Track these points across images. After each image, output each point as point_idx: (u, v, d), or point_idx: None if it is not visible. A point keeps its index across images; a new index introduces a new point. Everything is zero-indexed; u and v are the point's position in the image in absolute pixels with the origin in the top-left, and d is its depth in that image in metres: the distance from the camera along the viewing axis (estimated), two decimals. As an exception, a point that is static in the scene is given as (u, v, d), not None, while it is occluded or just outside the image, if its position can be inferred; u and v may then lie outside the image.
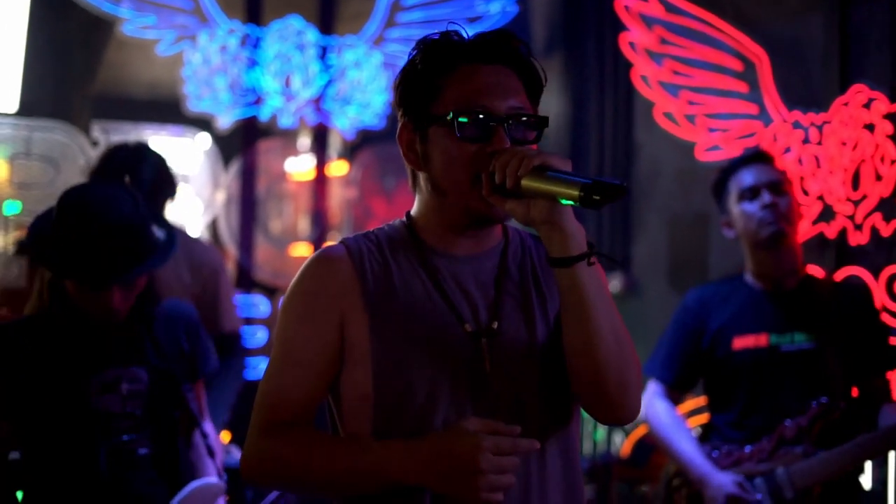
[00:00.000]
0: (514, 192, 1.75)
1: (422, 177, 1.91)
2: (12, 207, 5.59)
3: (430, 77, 1.86)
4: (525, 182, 1.73)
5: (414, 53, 1.90)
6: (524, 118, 1.85)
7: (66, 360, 2.79)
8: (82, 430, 2.77)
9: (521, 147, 1.81)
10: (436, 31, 1.91)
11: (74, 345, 2.80)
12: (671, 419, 3.39)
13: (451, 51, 1.86)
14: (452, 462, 1.73)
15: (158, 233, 2.84)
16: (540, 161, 1.73)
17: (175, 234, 2.93)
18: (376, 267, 1.88)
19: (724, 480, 3.19)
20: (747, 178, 3.36)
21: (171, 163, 4.05)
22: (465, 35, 1.89)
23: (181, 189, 4.12)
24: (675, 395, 3.48)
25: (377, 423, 1.84)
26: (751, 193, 3.34)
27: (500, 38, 1.88)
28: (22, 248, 2.87)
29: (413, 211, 1.96)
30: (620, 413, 1.89)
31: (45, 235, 2.79)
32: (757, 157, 3.42)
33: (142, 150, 4.03)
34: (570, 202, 1.71)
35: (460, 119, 1.81)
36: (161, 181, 3.93)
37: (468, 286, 1.89)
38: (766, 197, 3.31)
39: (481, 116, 1.82)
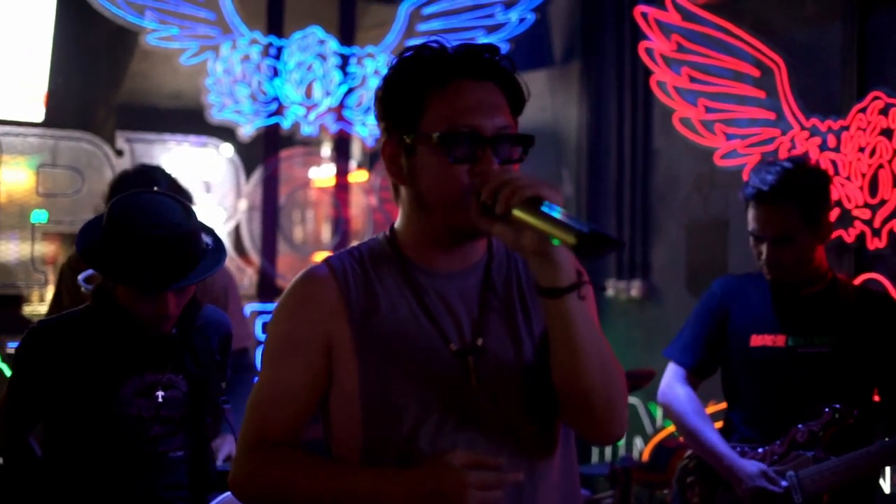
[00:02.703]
0: (504, 217, 1.71)
1: (405, 191, 1.88)
2: (39, 216, 5.65)
3: (417, 92, 1.83)
4: (517, 213, 1.69)
5: (399, 65, 1.88)
6: (511, 137, 1.83)
7: (103, 362, 2.84)
8: (110, 433, 2.82)
9: (512, 170, 1.79)
10: (418, 43, 1.89)
11: (113, 348, 2.85)
12: (694, 406, 3.34)
13: (439, 65, 1.83)
14: (440, 497, 1.73)
15: (207, 239, 2.88)
16: (533, 192, 1.69)
17: (222, 241, 2.97)
18: (361, 287, 1.87)
19: (751, 471, 3.15)
20: (752, 221, 3.23)
21: (182, 182, 4.09)
22: (449, 48, 1.86)
23: (197, 204, 4.15)
24: (693, 380, 3.42)
25: (366, 442, 1.84)
26: (754, 237, 3.26)
27: (484, 54, 1.85)
28: (81, 256, 2.90)
29: (397, 225, 1.94)
30: (607, 433, 1.89)
31: (97, 243, 2.81)
32: (765, 198, 3.20)
33: (151, 172, 4.08)
34: (563, 245, 1.65)
35: (448, 139, 1.79)
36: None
37: (452, 303, 1.87)
38: (765, 252, 3.22)
39: (469, 138, 1.79)
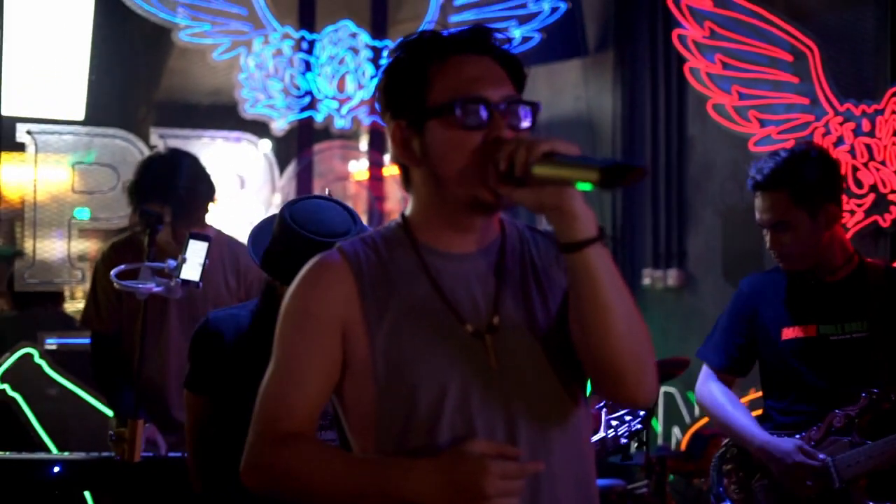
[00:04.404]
0: (523, 179, 1.72)
1: (418, 174, 1.87)
2: (82, 213, 5.72)
3: (419, 71, 1.83)
4: (537, 169, 1.70)
5: (396, 54, 1.88)
6: (519, 105, 1.83)
7: (264, 360, 2.90)
8: None
9: (525, 134, 1.80)
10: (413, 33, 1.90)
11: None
12: (725, 396, 3.35)
13: (437, 45, 1.85)
14: (459, 487, 1.73)
15: None
16: (549, 147, 1.70)
17: None
18: (374, 272, 1.86)
19: (787, 447, 3.15)
20: (756, 211, 3.26)
21: (205, 165, 4.14)
22: (444, 32, 1.87)
23: (219, 191, 4.20)
24: (727, 378, 3.43)
25: (382, 427, 1.84)
26: (760, 226, 3.27)
27: (482, 32, 1.87)
28: (259, 263, 2.98)
29: (408, 211, 1.92)
30: (639, 394, 1.87)
31: (272, 247, 2.89)
32: (756, 186, 3.23)
33: (176, 156, 4.13)
34: (588, 186, 1.67)
35: (458, 108, 1.79)
36: (198, 184, 4.04)
37: (468, 284, 1.86)
38: (767, 240, 3.24)
39: (479, 104, 1.79)
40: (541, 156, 1.70)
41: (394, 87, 1.88)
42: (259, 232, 2.99)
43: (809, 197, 3.17)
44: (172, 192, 3.97)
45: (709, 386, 3.41)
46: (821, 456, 3.12)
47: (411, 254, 1.88)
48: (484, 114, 1.80)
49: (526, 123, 1.84)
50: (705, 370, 3.46)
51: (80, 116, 5.85)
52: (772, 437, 3.21)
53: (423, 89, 1.83)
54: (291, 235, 2.82)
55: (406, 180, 1.92)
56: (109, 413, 5.08)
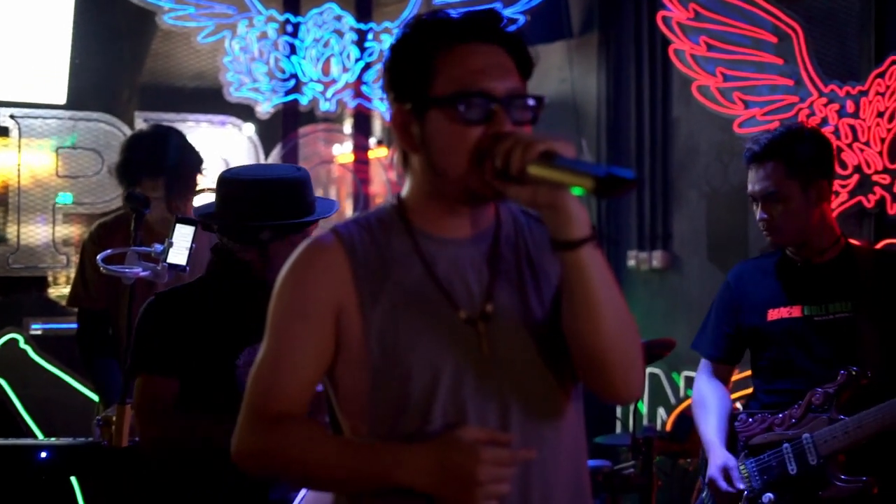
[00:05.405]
0: (519, 177, 1.72)
1: (416, 159, 1.87)
2: (65, 198, 5.70)
3: (425, 58, 1.82)
4: (532, 169, 1.70)
5: (404, 34, 1.87)
6: (523, 99, 1.82)
7: (219, 333, 2.88)
8: (228, 405, 2.84)
9: (523, 131, 1.80)
10: (423, 13, 1.89)
11: (228, 318, 2.89)
12: (702, 397, 3.44)
13: (445, 30, 1.83)
14: (451, 473, 1.73)
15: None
16: (545, 147, 1.69)
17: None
18: (369, 255, 1.86)
19: (717, 462, 3.25)
20: (748, 184, 3.30)
21: (190, 140, 4.17)
22: (454, 16, 1.86)
23: (207, 168, 4.22)
24: (725, 368, 3.50)
25: (375, 412, 1.83)
26: (752, 198, 3.30)
27: (491, 17, 1.85)
28: (200, 218, 3.02)
29: (404, 194, 1.92)
30: (624, 392, 1.89)
31: (218, 205, 2.93)
32: (751, 158, 3.27)
33: (161, 130, 4.14)
34: (580, 191, 1.67)
35: (460, 100, 1.78)
36: (187, 154, 4.05)
37: (462, 270, 1.86)
38: (759, 212, 3.27)
39: (482, 99, 1.78)
40: (537, 156, 1.70)
41: (398, 70, 1.87)
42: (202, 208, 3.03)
43: (803, 170, 3.22)
44: (164, 164, 3.98)
45: (697, 383, 3.50)
46: (740, 485, 3.20)
47: (406, 238, 1.88)
48: (485, 109, 1.79)
49: (529, 117, 1.83)
50: (701, 366, 3.53)
51: (63, 100, 5.81)
52: (715, 448, 3.29)
53: (428, 77, 1.81)
54: (232, 185, 2.85)
55: (405, 163, 1.91)
56: (95, 398, 5.08)
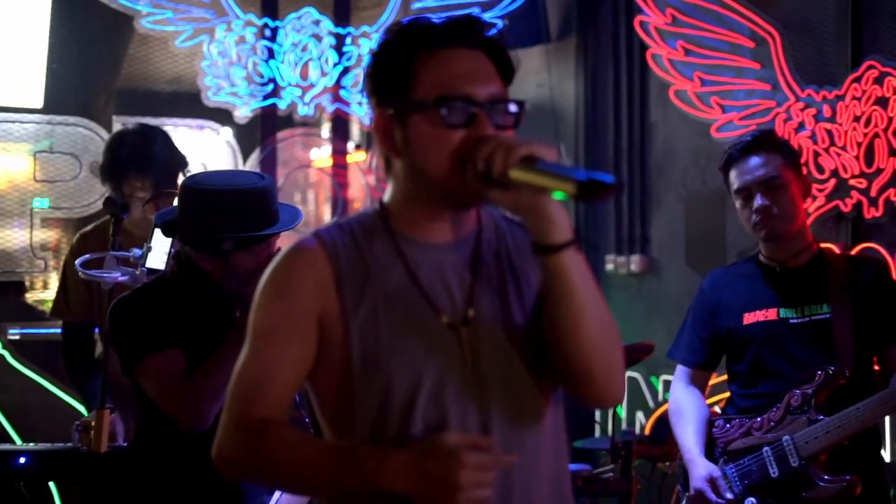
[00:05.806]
0: (501, 181, 1.72)
1: (399, 164, 1.87)
2: (42, 203, 5.67)
3: (407, 63, 1.82)
4: (514, 173, 1.70)
5: (386, 39, 1.87)
6: (504, 104, 1.83)
7: (182, 335, 2.83)
8: None
9: (506, 135, 1.80)
10: (404, 18, 1.89)
11: (191, 321, 2.85)
12: (678, 406, 3.44)
13: (427, 36, 1.83)
14: (433, 477, 1.73)
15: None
16: (527, 151, 1.70)
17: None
18: (351, 259, 1.85)
19: (700, 472, 3.25)
20: (738, 178, 3.28)
21: (173, 138, 4.13)
22: (435, 21, 1.86)
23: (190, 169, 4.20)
24: (701, 374, 3.50)
25: (358, 417, 1.83)
26: (742, 195, 3.29)
27: (472, 23, 1.85)
28: (161, 228, 2.98)
29: (387, 198, 1.92)
30: (606, 397, 1.89)
31: (180, 214, 2.86)
32: (747, 148, 3.28)
33: (146, 129, 4.11)
34: (561, 195, 1.68)
35: (442, 105, 1.78)
36: (174, 153, 4.02)
37: (444, 275, 1.86)
38: (757, 200, 3.25)
39: (464, 103, 1.78)
40: (518, 160, 1.70)
41: (380, 75, 1.87)
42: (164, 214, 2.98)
43: (795, 161, 3.32)
44: (153, 161, 3.94)
45: (673, 391, 3.50)
46: (728, 495, 3.20)
47: (389, 242, 1.87)
48: (466, 113, 1.79)
49: (510, 121, 1.83)
50: (677, 373, 3.53)
51: (40, 104, 5.79)
52: (695, 457, 3.29)
53: (409, 82, 1.82)
54: (195, 195, 2.79)
55: (387, 167, 1.91)
56: (73, 403, 5.05)
